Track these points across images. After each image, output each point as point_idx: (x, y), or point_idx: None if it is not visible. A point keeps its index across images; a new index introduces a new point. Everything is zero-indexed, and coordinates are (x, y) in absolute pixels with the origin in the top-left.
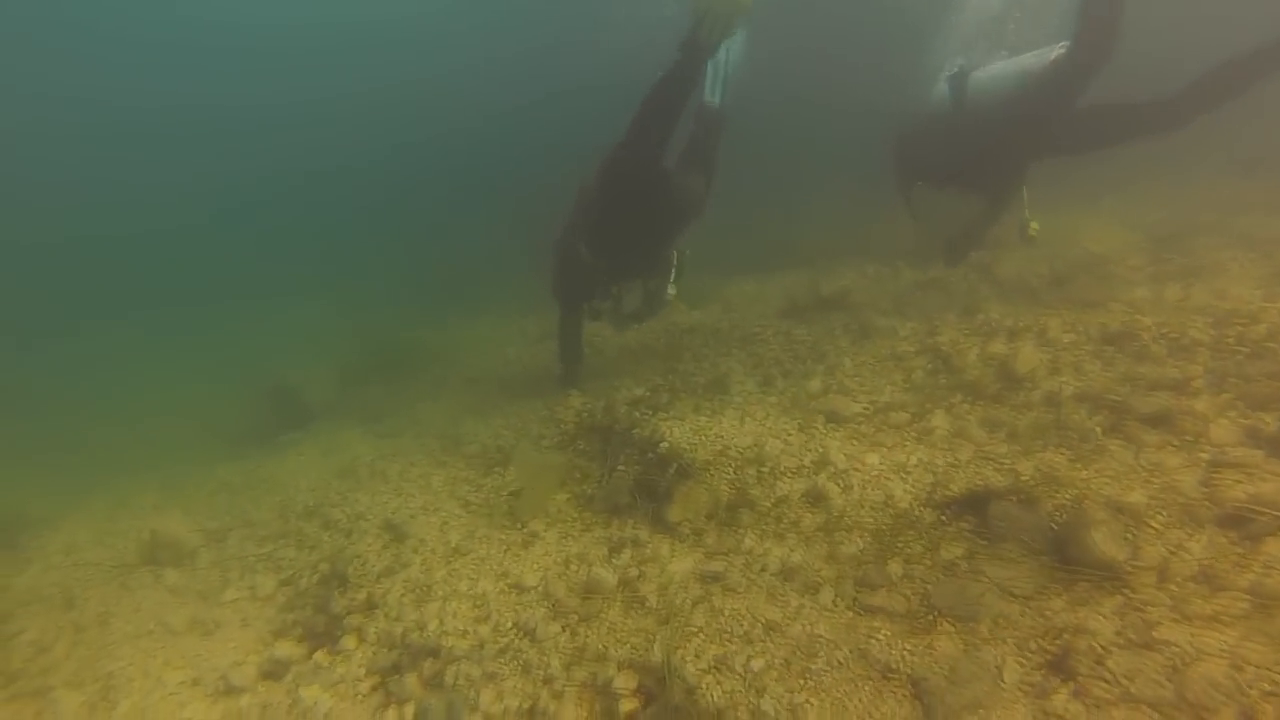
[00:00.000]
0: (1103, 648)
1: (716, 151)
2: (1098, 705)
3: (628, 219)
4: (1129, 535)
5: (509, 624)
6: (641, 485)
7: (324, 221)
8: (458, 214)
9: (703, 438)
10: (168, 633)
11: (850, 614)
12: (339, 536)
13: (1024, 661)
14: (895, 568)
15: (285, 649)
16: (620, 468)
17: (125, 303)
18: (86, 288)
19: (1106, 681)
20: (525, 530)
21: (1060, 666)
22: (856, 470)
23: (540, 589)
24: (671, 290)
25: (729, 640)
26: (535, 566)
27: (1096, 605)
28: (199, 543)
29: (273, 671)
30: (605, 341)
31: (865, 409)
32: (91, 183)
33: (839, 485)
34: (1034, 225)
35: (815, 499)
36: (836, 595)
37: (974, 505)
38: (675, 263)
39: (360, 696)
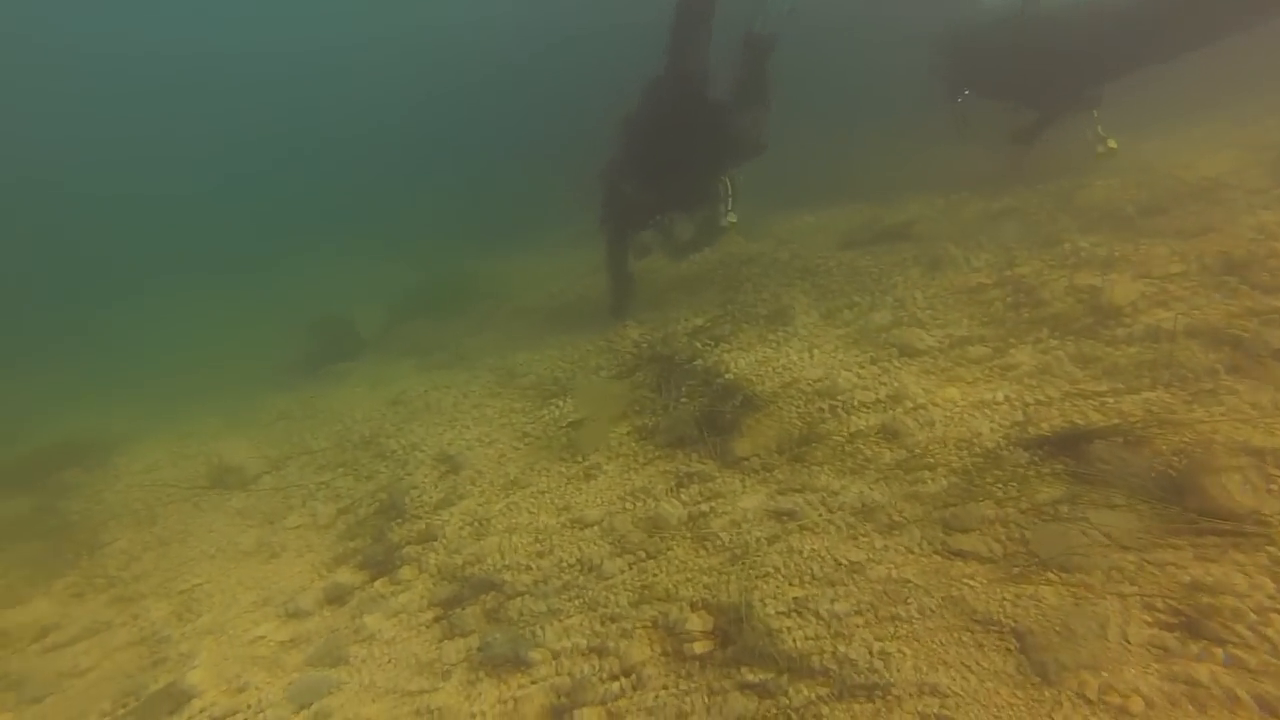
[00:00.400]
0: (1255, 610)
1: (767, 79)
2: (1251, 673)
3: (672, 146)
4: (1269, 484)
5: (572, 559)
6: (706, 418)
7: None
8: (501, 154)
9: (769, 369)
10: (238, 553)
11: (938, 557)
12: (395, 467)
13: (1151, 619)
14: (986, 509)
15: (346, 575)
16: (683, 399)
17: (188, 258)
18: (151, 244)
19: (1257, 648)
20: (586, 463)
21: (1198, 628)
22: (936, 405)
23: (603, 523)
24: (731, 218)
25: (809, 582)
26: (597, 500)
27: (1236, 561)
28: (261, 469)
29: (336, 597)
30: (660, 272)
31: (940, 342)
32: (141, 141)
33: (917, 420)
34: (1110, 142)
35: (892, 434)
36: (922, 536)
37: (1070, 445)
38: (729, 190)
39: (422, 626)
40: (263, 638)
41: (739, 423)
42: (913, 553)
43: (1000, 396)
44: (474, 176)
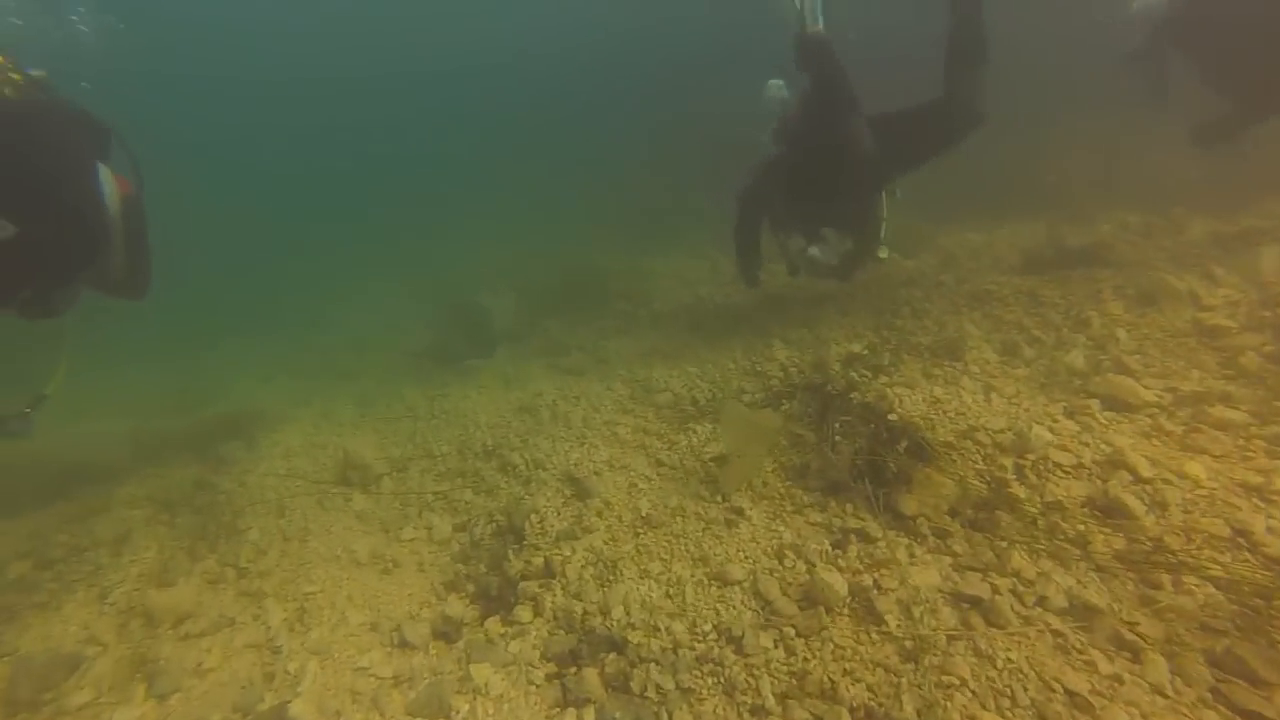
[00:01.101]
0: None
1: (982, 30)
2: None
3: (812, 182)
4: None
5: (709, 625)
6: (866, 464)
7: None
8: (652, 147)
9: (941, 412)
10: (353, 562)
11: (1208, 712)
12: (517, 484)
13: None
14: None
15: (457, 608)
16: (838, 438)
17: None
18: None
19: None
20: (727, 505)
21: None
22: (1170, 484)
23: (748, 585)
24: (883, 252)
25: (1011, 708)
26: (741, 554)
27: None
28: (384, 470)
29: (445, 633)
30: (808, 288)
31: (1160, 397)
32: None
33: (1143, 500)
34: None
35: (1107, 512)
36: (1174, 673)
37: None
38: (883, 214)
39: (535, 687)
40: (367, 669)
41: (907, 474)
42: (1165, 696)
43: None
44: (620, 175)
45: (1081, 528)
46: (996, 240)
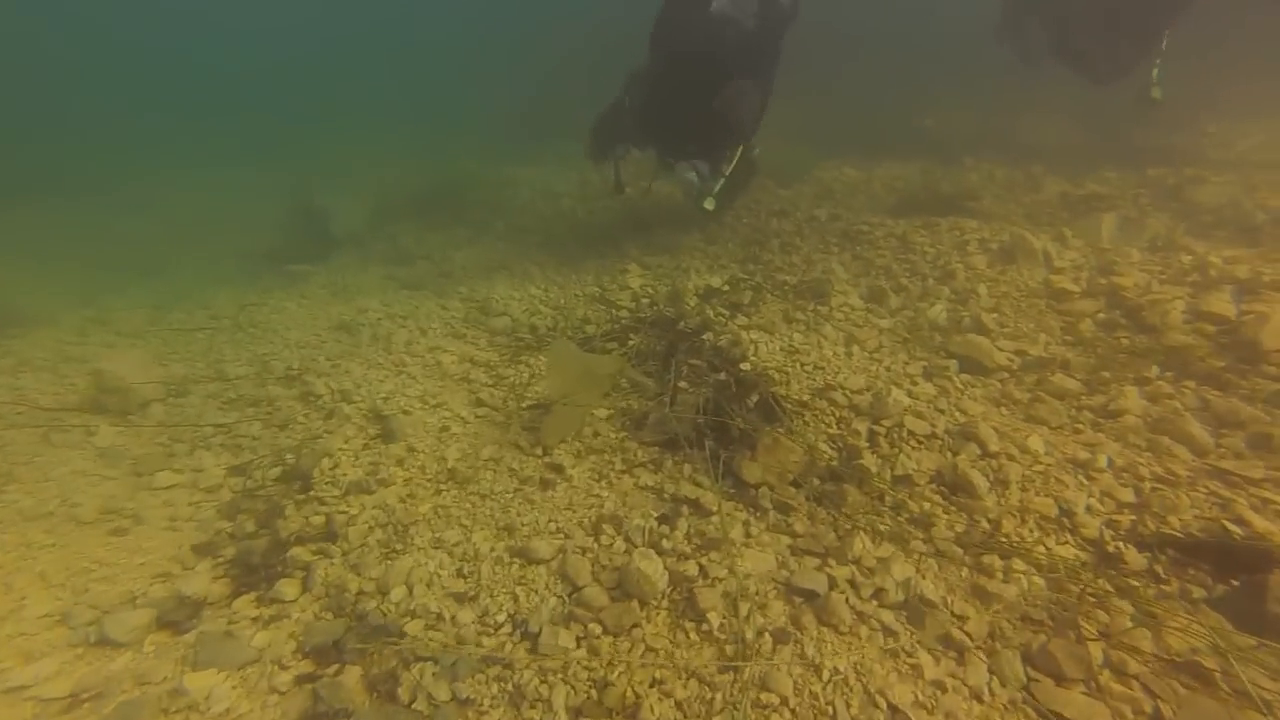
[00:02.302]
0: None
1: (775, 54)
2: None
3: (673, 102)
4: None
5: (503, 615)
6: (710, 419)
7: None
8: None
9: (798, 364)
10: (71, 519)
11: (1016, 715)
12: (316, 417)
13: None
14: (1091, 649)
15: (201, 582)
16: (683, 384)
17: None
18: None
19: None
20: (547, 460)
21: None
22: (1013, 459)
23: (555, 565)
24: (708, 203)
25: None
26: (553, 525)
27: None
28: (154, 395)
29: (174, 620)
30: (679, 211)
31: (1012, 361)
32: None
33: (987, 477)
34: (1156, 90)
35: (953, 489)
36: (993, 673)
37: (1216, 559)
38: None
39: (278, 696)
40: (24, 689)
41: (753, 436)
42: (980, 701)
43: (1103, 460)
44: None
45: (927, 505)
46: (874, 179)
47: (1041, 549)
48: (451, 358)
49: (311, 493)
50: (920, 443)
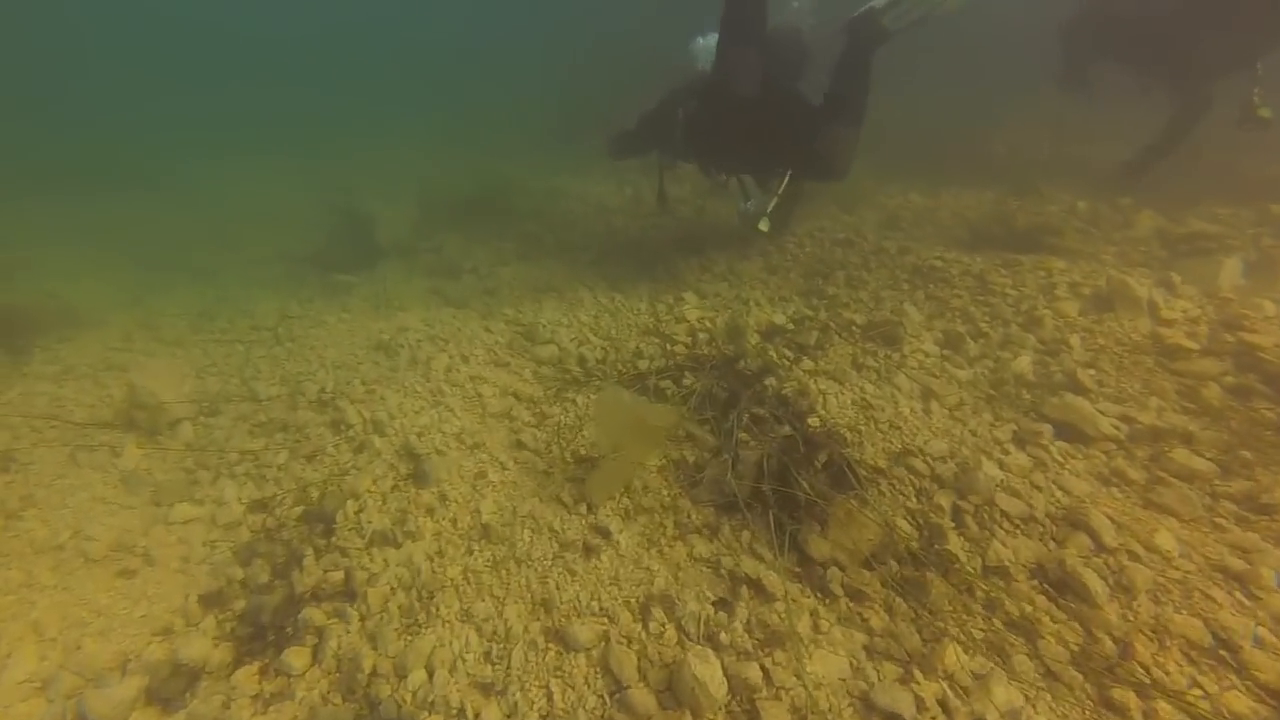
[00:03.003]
0: None
1: (865, 84)
2: None
3: (729, 132)
4: None
5: (534, 714)
6: (774, 477)
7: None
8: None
9: (872, 421)
10: (79, 556)
11: None
12: (345, 449)
13: None
14: None
15: (201, 647)
16: (743, 435)
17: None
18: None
19: None
20: (592, 520)
21: None
22: (1137, 558)
23: (596, 656)
24: (763, 225)
25: None
26: (596, 603)
27: None
28: (185, 413)
29: (164, 696)
30: (731, 229)
31: (1117, 429)
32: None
33: (1106, 579)
34: (1264, 109)
35: (1060, 588)
36: None
37: None
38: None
39: None
40: None
41: (821, 504)
42: None
43: (1269, 576)
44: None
45: (1029, 608)
46: (941, 206)
47: (1198, 693)
48: (493, 390)
49: (334, 539)
50: (1016, 526)
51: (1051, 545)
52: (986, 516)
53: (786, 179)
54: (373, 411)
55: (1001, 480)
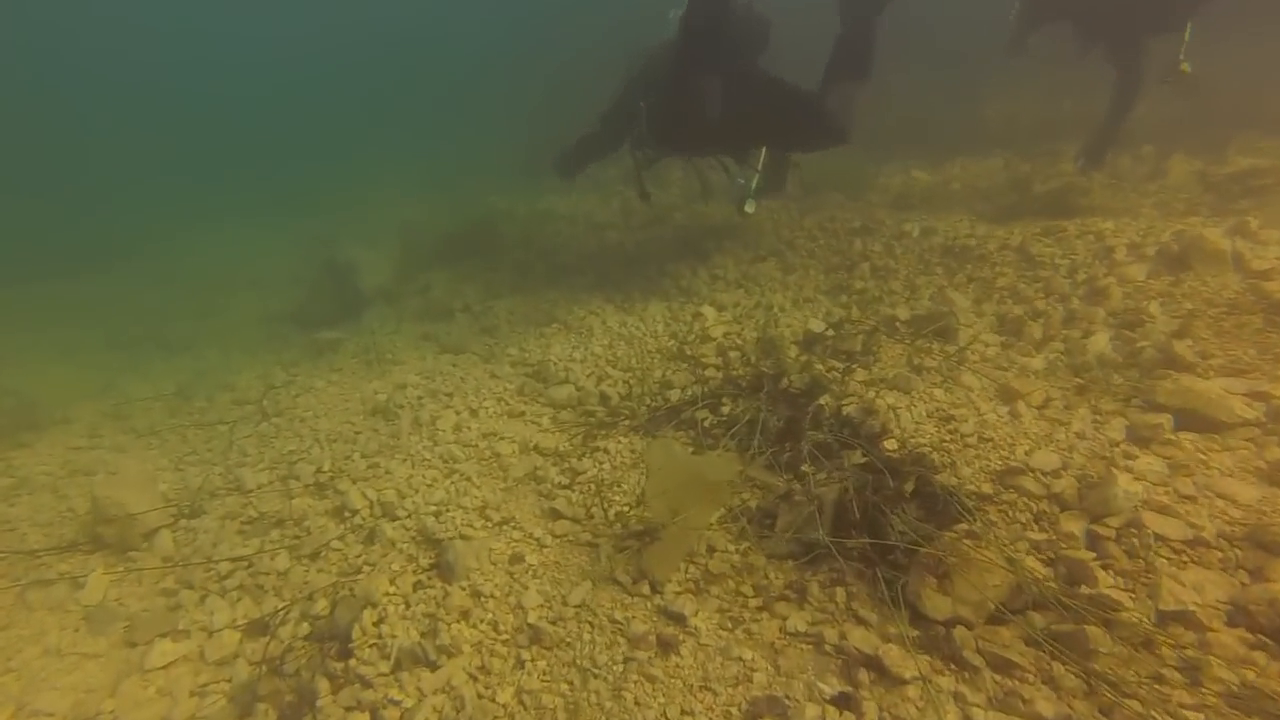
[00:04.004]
0: None
1: (871, 46)
2: None
3: (704, 116)
4: None
5: None
6: (861, 518)
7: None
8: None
9: (958, 436)
10: None
11: None
12: (353, 541)
13: None
14: None
15: None
16: (806, 468)
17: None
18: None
19: None
20: (658, 603)
21: None
22: None
23: None
24: (749, 207)
25: None
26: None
27: None
28: (161, 520)
29: None
30: (728, 227)
31: (1251, 407)
32: None
33: None
34: (1185, 64)
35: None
36: None
37: None
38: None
39: None
40: None
41: (924, 546)
42: None
43: None
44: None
45: (1252, 674)
46: (950, 179)
47: None
48: (511, 447)
49: (352, 662)
50: (1182, 554)
51: (1244, 578)
52: (1137, 544)
53: (764, 152)
54: (379, 491)
55: (1143, 494)
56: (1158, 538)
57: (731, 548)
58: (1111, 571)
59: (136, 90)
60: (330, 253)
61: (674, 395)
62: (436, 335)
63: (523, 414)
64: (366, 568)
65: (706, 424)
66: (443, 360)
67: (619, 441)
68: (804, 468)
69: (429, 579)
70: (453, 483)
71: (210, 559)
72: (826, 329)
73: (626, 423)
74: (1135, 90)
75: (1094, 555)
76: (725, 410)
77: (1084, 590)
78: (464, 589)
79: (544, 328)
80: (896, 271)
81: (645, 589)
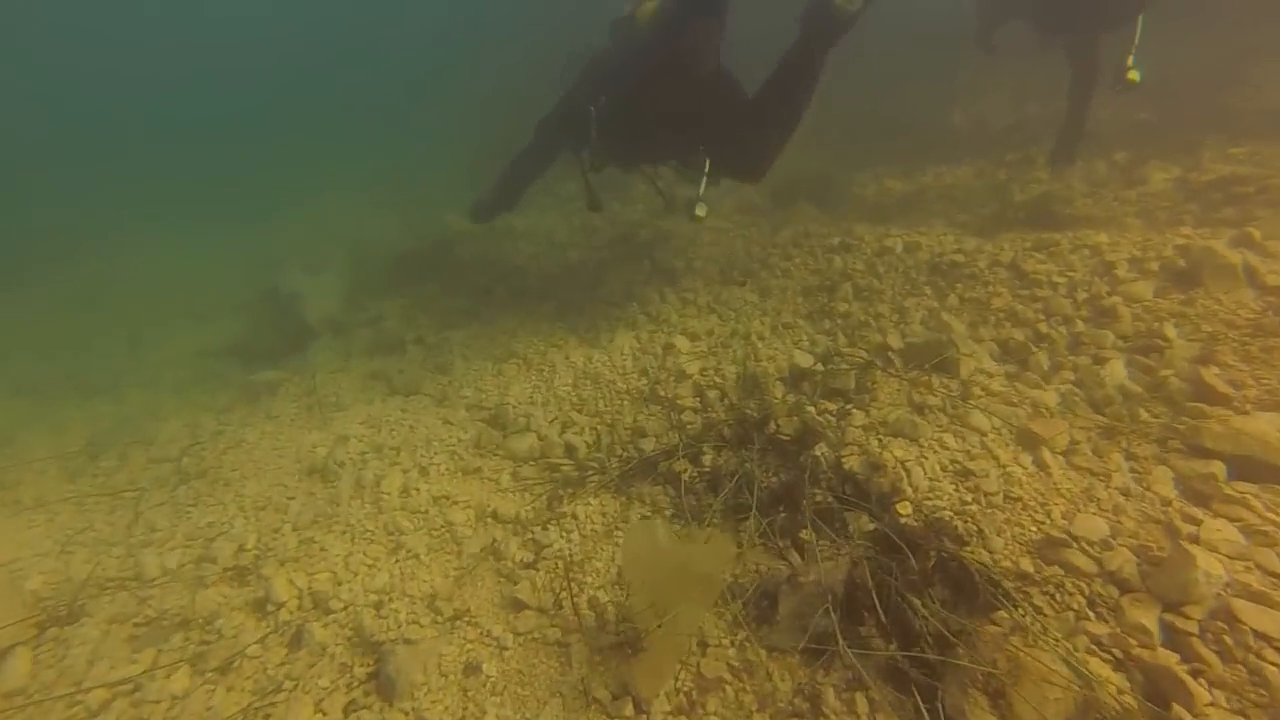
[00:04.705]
0: None
1: (810, 82)
2: None
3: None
4: None
5: None
6: (881, 602)
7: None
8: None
9: (980, 495)
10: None
11: None
12: (275, 646)
13: None
14: None
15: None
16: (805, 535)
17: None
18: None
19: None
20: None
21: None
22: None
23: None
24: (700, 210)
25: None
26: None
27: None
28: (21, 635)
29: None
30: (693, 246)
31: None
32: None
33: None
34: (1133, 73)
35: None
36: None
37: None
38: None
39: None
40: None
41: (958, 642)
42: None
43: None
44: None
45: None
46: (925, 189)
47: None
48: (466, 514)
49: None
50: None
51: None
52: (1231, 642)
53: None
54: (310, 577)
55: (1224, 575)
56: (1259, 636)
57: (726, 640)
58: (1204, 681)
59: (89, 78)
60: (275, 278)
61: (648, 445)
62: (386, 373)
63: (479, 470)
64: (289, 684)
65: (687, 478)
66: (391, 405)
67: (588, 504)
68: (803, 534)
69: (365, 697)
70: (398, 562)
71: (79, 687)
72: (814, 363)
73: (596, 479)
74: (1091, 85)
75: (1178, 658)
76: (707, 461)
77: (1177, 712)
78: (407, 714)
79: (503, 364)
80: (882, 293)
81: (628, 709)
